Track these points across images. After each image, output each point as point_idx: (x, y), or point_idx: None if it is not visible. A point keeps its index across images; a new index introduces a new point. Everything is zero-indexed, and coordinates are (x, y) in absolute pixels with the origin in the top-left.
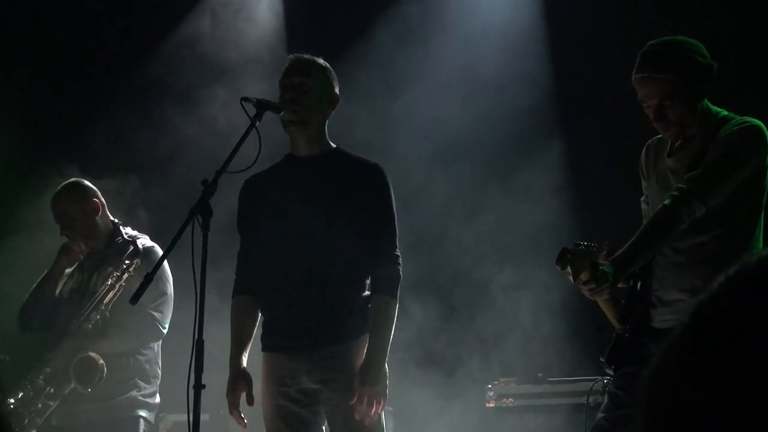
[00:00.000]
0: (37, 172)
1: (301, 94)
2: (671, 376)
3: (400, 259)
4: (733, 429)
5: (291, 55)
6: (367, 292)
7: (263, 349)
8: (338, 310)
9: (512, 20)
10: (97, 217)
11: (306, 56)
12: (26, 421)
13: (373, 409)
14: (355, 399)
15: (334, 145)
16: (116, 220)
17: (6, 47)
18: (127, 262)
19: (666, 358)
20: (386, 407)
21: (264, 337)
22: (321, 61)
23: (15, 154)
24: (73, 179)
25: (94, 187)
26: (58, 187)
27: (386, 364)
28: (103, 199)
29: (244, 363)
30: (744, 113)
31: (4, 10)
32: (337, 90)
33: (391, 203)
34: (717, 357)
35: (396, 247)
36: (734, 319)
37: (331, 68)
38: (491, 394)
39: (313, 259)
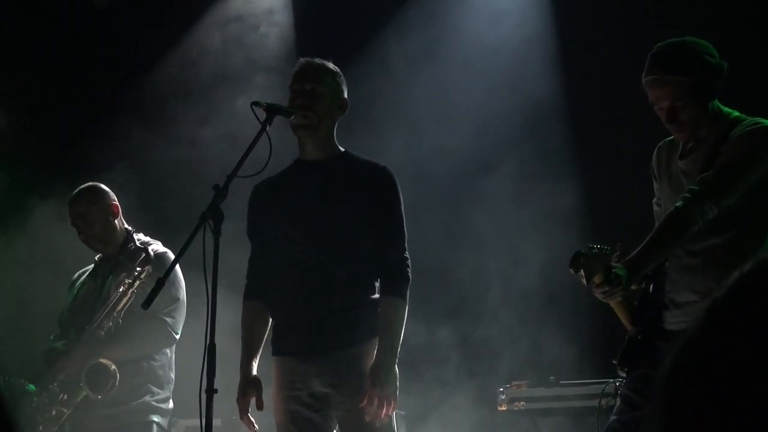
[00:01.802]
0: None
1: (313, 100)
2: (687, 373)
3: (409, 261)
4: (751, 425)
5: (302, 59)
6: (376, 295)
7: (274, 353)
8: (348, 314)
9: (520, 27)
10: (116, 221)
11: (317, 61)
12: (41, 428)
13: (384, 411)
14: (365, 401)
15: (342, 149)
16: (129, 227)
17: (9, 57)
18: (138, 269)
19: (681, 356)
20: (398, 411)
21: (274, 341)
22: (332, 65)
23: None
24: (90, 182)
25: (111, 191)
26: (77, 190)
27: (396, 366)
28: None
29: (255, 368)
30: (754, 114)
31: (13, 20)
32: (346, 95)
33: (399, 206)
34: (733, 353)
35: (405, 249)
36: (750, 315)
37: (341, 73)
38: (503, 397)
39: (322, 263)
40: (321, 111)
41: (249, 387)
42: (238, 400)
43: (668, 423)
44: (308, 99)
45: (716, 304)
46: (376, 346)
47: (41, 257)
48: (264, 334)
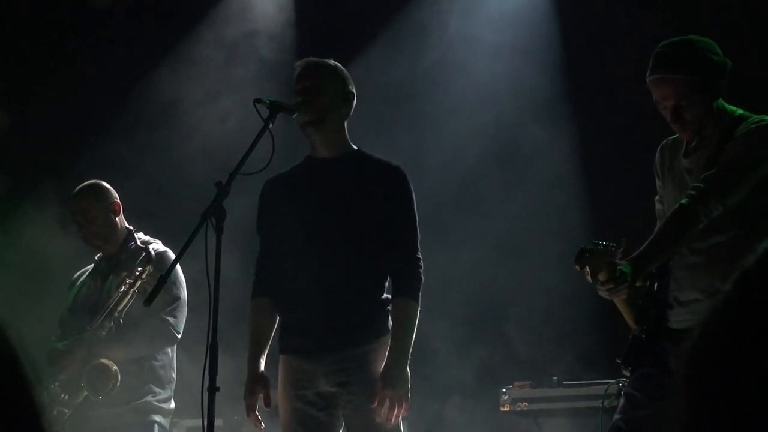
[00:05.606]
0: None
1: (314, 95)
2: (715, 345)
3: (422, 261)
4: None
5: (300, 60)
6: (387, 295)
7: (281, 351)
8: (358, 313)
9: (523, 21)
10: (117, 219)
11: (314, 59)
12: None
13: (395, 413)
14: (376, 402)
15: (355, 147)
16: (130, 226)
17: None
18: (139, 269)
19: (709, 328)
20: None
21: (282, 338)
22: (331, 61)
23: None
24: (92, 180)
25: (113, 189)
26: (79, 186)
27: (408, 368)
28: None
29: (262, 366)
30: (759, 111)
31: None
32: (351, 88)
33: (412, 205)
34: (762, 322)
35: (417, 249)
36: None
37: (342, 67)
38: (505, 398)
39: (332, 262)
40: (324, 104)
41: (256, 384)
42: (245, 398)
43: (695, 396)
44: (309, 94)
45: (746, 274)
46: (386, 346)
47: (36, 261)
48: (271, 332)
